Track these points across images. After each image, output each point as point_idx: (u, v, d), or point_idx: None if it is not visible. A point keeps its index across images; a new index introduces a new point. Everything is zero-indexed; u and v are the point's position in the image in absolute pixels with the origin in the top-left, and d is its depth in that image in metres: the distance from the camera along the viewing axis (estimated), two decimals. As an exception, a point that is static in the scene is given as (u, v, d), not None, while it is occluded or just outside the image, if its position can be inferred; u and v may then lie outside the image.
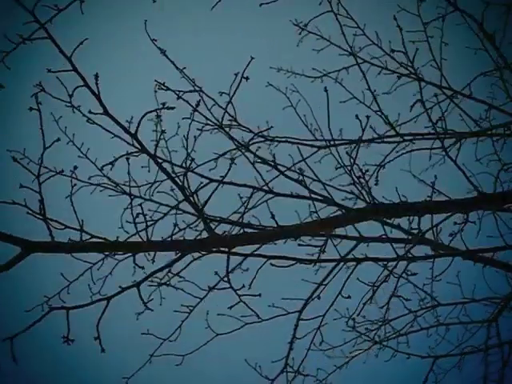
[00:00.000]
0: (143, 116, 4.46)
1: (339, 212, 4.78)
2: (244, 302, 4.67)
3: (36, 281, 5.01)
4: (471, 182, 4.98)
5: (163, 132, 4.47)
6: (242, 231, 4.72)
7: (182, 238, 4.51)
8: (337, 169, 5.29)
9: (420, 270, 6.54)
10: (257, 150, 5.17)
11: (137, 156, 4.52)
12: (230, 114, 5.03)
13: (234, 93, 4.77)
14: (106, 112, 4.35)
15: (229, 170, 4.76)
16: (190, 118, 4.65)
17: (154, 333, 5.88)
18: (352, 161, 4.82)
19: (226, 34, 7.30)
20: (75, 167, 4.60)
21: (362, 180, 4.78)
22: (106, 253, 4.57)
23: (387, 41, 6.62)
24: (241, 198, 5.08)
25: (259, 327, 6.07)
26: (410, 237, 5.28)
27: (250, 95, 5.93)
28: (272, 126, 5.77)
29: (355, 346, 6.58)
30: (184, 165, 4.55)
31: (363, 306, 5.62)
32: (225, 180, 4.87)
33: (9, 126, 4.60)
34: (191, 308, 5.93)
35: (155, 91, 4.70)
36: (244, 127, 5.15)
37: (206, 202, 4.56)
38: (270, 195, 5.12)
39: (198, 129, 4.86)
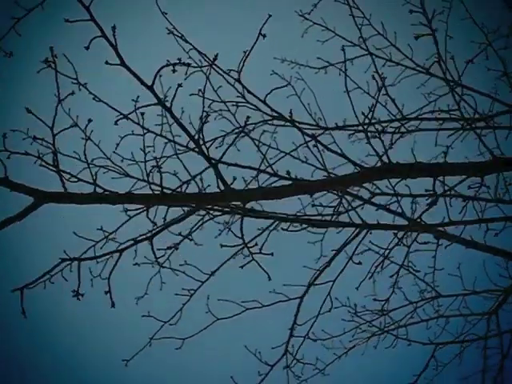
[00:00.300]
0: (160, 69, 4.41)
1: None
2: (256, 261, 4.62)
3: (51, 237, 4.99)
4: (487, 146, 4.96)
5: (179, 86, 4.43)
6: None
7: (196, 192, 4.47)
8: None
9: (422, 261, 6.61)
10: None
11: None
12: (237, 90, 5.02)
13: (242, 66, 4.74)
14: (122, 63, 4.29)
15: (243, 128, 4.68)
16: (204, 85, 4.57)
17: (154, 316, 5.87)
18: (368, 120, 4.80)
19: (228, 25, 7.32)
20: (90, 120, 4.54)
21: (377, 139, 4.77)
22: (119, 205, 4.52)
23: (392, 32, 6.66)
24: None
25: (260, 313, 6.10)
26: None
27: (253, 84, 5.95)
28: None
29: (355, 336, 6.57)
30: (200, 120, 4.47)
31: (372, 275, 5.55)
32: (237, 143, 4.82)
33: (24, 84, 4.59)
34: (192, 291, 5.94)
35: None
36: (252, 104, 5.13)
37: (221, 156, 4.49)
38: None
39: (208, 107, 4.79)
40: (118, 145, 4.98)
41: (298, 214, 6.07)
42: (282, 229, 5.24)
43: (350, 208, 6.11)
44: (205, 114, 4.46)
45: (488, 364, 6.49)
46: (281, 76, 6.54)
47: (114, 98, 4.68)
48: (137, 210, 4.69)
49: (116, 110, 4.89)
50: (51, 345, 5.89)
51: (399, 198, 5.96)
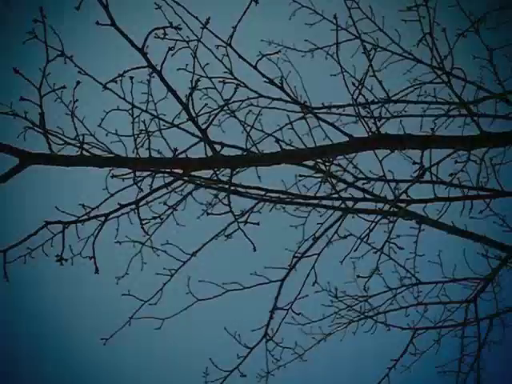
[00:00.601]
0: (150, 32, 4.31)
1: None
2: (242, 230, 4.56)
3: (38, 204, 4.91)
4: (475, 120, 4.94)
5: (170, 49, 4.34)
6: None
7: (184, 156, 4.39)
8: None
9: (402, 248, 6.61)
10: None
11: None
12: (225, 66, 4.95)
13: (234, 31, 4.66)
14: (113, 24, 4.20)
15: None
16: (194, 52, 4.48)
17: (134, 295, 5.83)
18: (359, 90, 4.76)
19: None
20: (78, 82, 4.43)
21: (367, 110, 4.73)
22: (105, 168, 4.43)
23: (380, 17, 6.63)
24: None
25: (241, 295, 6.07)
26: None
27: (240, 67, 5.89)
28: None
29: (334, 321, 6.56)
30: (190, 85, 4.38)
31: (359, 244, 5.54)
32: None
33: (12, 48, 4.47)
34: (173, 271, 5.90)
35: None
36: (239, 81, 5.07)
37: (209, 124, 4.40)
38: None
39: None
40: (102, 120, 4.90)
41: (282, 196, 6.08)
42: (270, 200, 5.18)
43: (333, 192, 6.11)
44: (195, 79, 4.38)
45: (465, 352, 6.53)
46: (268, 58, 6.52)
47: (104, 68, 4.61)
48: (124, 175, 4.59)
49: (100, 83, 4.82)
50: (30, 321, 5.81)
51: (383, 182, 5.99)
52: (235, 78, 5.02)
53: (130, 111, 4.63)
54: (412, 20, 6.42)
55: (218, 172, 4.71)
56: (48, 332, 5.99)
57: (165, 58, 4.34)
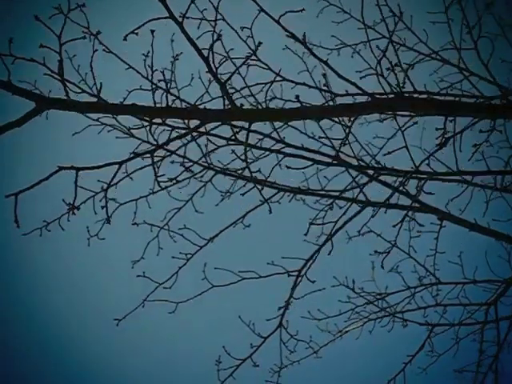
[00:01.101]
0: None
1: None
2: (257, 188, 4.48)
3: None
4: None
5: (193, 2, 4.32)
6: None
7: (202, 107, 4.37)
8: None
9: (423, 247, 6.54)
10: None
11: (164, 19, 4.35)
12: (250, 47, 4.91)
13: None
14: None
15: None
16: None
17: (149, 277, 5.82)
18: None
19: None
20: (98, 32, 4.44)
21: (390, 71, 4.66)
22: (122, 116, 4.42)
23: (409, 16, 6.62)
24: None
25: (257, 284, 6.03)
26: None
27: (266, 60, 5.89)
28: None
29: (351, 317, 6.49)
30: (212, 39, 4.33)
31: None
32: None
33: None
34: (189, 256, 5.89)
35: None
36: (263, 63, 5.04)
37: (229, 77, 4.37)
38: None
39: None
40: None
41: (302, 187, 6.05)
42: (287, 166, 5.16)
43: (355, 185, 6.07)
44: (216, 35, 4.36)
45: (483, 353, 6.41)
46: (293, 51, 6.51)
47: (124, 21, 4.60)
48: (140, 126, 4.58)
49: (125, 62, 4.84)
50: (42, 299, 5.82)
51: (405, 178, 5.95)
52: (259, 60, 4.94)
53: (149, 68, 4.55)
54: (440, 22, 6.43)
55: (237, 131, 4.64)
56: (61, 313, 5.99)
57: (186, 10, 4.29)
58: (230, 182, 5.98)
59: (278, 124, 5.50)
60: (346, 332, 6.56)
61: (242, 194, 5.36)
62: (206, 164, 5.95)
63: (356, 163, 5.94)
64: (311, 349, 6.37)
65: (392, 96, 4.40)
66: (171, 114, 4.16)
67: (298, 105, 4.48)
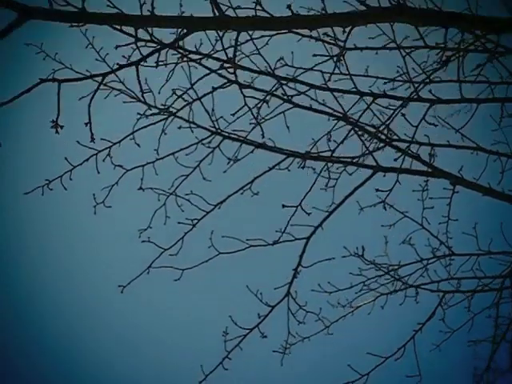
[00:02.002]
0: None
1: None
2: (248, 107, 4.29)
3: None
4: None
5: None
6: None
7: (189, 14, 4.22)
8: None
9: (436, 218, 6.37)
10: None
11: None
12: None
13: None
14: None
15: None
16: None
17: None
18: None
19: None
20: None
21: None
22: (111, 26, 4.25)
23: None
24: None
25: (265, 252, 5.89)
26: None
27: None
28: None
29: (362, 290, 6.31)
30: None
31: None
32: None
33: None
34: (196, 221, 5.76)
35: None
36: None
37: None
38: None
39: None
40: None
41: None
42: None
43: (366, 152, 5.93)
44: None
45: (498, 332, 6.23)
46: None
47: None
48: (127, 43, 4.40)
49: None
50: (48, 260, 5.72)
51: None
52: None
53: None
54: None
55: (222, 36, 4.39)
56: (66, 279, 5.88)
57: None
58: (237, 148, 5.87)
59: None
60: (358, 307, 6.40)
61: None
62: (213, 129, 5.84)
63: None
64: (322, 323, 6.21)
65: (390, 6, 4.22)
66: (156, 22, 3.98)
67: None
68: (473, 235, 6.24)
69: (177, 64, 4.94)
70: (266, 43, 4.97)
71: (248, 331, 5.80)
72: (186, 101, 5.47)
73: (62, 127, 3.96)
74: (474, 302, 6.44)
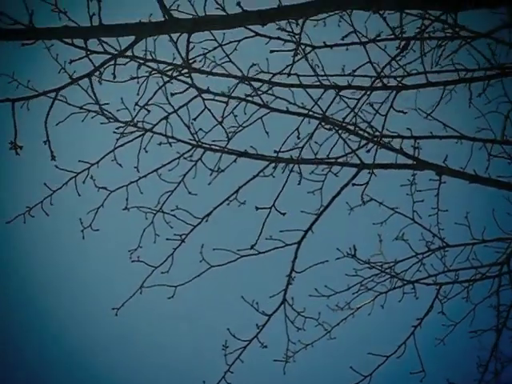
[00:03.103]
0: None
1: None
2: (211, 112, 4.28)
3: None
4: None
5: None
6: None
7: (138, 21, 4.15)
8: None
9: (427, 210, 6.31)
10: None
11: None
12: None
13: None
14: None
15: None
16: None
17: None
18: None
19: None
20: None
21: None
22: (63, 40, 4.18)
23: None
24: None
25: (256, 261, 5.84)
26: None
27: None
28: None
29: (359, 291, 6.24)
30: None
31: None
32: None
33: None
34: (184, 235, 5.71)
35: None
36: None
37: None
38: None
39: None
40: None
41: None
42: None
43: (348, 151, 5.89)
44: None
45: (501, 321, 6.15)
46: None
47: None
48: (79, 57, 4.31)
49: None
50: (40, 289, 5.67)
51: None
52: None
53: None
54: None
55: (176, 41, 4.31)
56: (59, 303, 5.83)
57: None
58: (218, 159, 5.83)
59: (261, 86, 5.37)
60: (359, 308, 6.33)
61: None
62: (194, 142, 5.80)
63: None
64: (323, 329, 6.13)
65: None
66: (106, 32, 3.93)
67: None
68: (465, 225, 6.20)
69: (144, 77, 4.91)
70: (235, 49, 4.95)
71: (247, 343, 5.74)
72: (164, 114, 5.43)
73: (21, 147, 3.91)
74: (474, 293, 6.40)
